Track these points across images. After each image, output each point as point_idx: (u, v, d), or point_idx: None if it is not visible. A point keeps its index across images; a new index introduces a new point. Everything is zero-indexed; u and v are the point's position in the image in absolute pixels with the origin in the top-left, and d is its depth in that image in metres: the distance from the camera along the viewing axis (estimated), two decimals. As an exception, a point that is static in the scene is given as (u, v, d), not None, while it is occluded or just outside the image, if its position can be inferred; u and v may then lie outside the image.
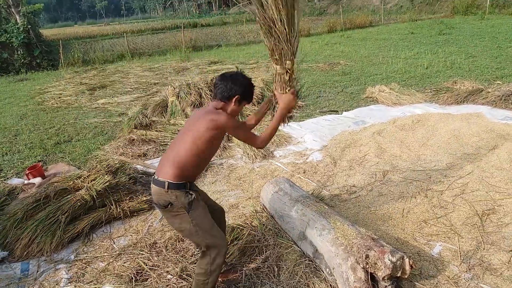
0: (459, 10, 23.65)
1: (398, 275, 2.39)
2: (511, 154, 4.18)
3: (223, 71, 2.55)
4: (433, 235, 3.04)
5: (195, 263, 2.92)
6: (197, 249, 2.66)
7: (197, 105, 6.89)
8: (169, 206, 2.24)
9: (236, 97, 2.33)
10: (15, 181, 4.72)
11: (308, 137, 5.45)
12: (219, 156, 4.98)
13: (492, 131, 4.89)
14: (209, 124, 2.22)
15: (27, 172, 4.70)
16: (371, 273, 2.42)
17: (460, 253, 2.80)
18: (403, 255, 2.40)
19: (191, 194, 2.26)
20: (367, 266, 2.40)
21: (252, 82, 2.46)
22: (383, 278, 2.37)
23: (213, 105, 2.37)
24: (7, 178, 4.91)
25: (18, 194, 4.39)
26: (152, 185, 2.29)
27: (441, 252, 2.84)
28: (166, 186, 2.20)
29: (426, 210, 3.36)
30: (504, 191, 3.53)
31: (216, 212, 2.65)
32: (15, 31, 16.34)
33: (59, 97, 9.82)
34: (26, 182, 4.63)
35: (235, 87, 2.33)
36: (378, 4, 33.09)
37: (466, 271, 2.62)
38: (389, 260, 2.35)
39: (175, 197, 2.22)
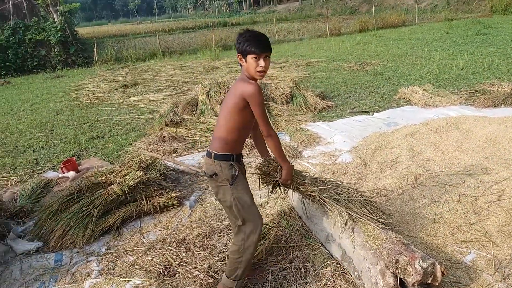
0: (498, 9, 22.79)
1: (429, 281, 2.32)
2: (552, 160, 4.01)
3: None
4: (466, 242, 2.94)
5: (223, 261, 2.95)
6: (232, 228, 2.70)
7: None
8: (214, 176, 2.38)
9: (237, 56, 2.32)
10: (51, 174, 4.89)
11: (337, 137, 5.38)
12: (248, 154, 4.99)
13: (532, 136, 4.69)
14: (236, 94, 2.29)
15: (62, 166, 4.86)
16: (400, 279, 2.36)
17: (494, 262, 2.69)
18: (435, 262, 2.33)
19: (235, 168, 2.38)
20: (397, 271, 2.35)
21: (249, 31, 2.31)
22: (413, 284, 2.30)
23: (242, 73, 2.38)
24: (43, 171, 5.09)
25: (53, 187, 4.55)
26: (205, 156, 2.47)
27: (474, 260, 2.74)
28: (212, 157, 2.36)
29: (459, 216, 3.26)
30: (543, 198, 3.38)
31: None
32: (52, 29, 16.95)
33: (93, 94, 10.12)
34: (60, 175, 4.79)
35: (236, 46, 2.32)
36: (412, 3, 32.37)
37: (501, 281, 2.52)
38: (419, 266, 2.29)
39: (220, 168, 2.35)
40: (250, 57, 2.24)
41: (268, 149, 2.63)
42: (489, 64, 9.20)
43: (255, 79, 2.32)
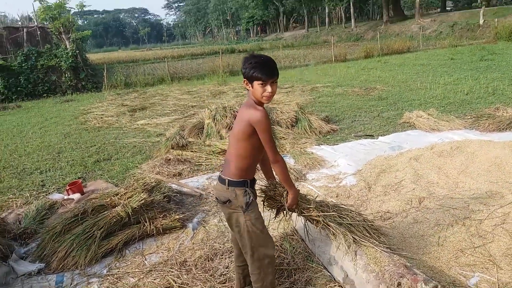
0: (502, 35, 22.98)
1: (432, 305, 2.29)
2: (558, 184, 3.97)
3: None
4: (470, 265, 2.90)
5: (224, 283, 2.93)
6: (243, 253, 2.64)
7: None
8: (227, 202, 2.36)
9: (244, 80, 2.28)
10: (56, 196, 4.93)
11: (341, 161, 5.39)
12: (252, 177, 5.00)
13: (537, 160, 4.66)
14: (243, 120, 2.26)
15: (67, 188, 4.90)
16: (403, 302, 2.33)
17: (498, 285, 2.65)
18: (437, 285, 2.30)
19: (249, 195, 2.35)
20: (399, 294, 2.32)
21: (255, 56, 2.27)
22: (415, 308, 2.27)
23: (249, 97, 2.33)
24: (49, 193, 5.13)
25: (58, 208, 4.57)
26: (217, 181, 2.44)
27: (478, 284, 2.69)
28: (226, 184, 2.33)
29: (463, 239, 3.22)
30: (549, 222, 3.33)
31: None
32: (64, 55, 17.37)
33: (101, 118, 10.27)
34: (66, 197, 4.82)
35: (242, 71, 2.27)
36: (417, 30, 32.78)
37: (507, 305, 2.48)
38: (422, 289, 2.26)
39: (234, 195, 2.33)
40: (256, 83, 2.21)
41: (274, 174, 2.60)
42: (494, 89, 9.23)
43: (262, 104, 2.29)
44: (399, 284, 2.34)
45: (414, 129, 6.75)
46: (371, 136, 6.62)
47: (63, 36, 17.89)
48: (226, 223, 3.86)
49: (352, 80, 13.28)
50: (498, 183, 4.22)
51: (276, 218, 2.86)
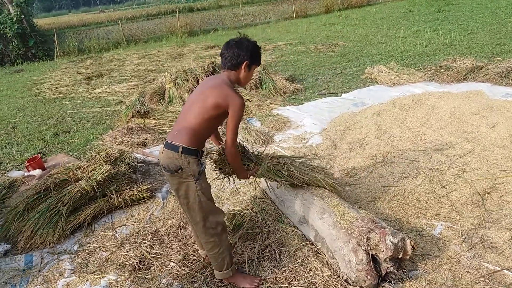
0: (458, -14, 23.26)
1: (400, 256, 2.39)
2: (512, 131, 4.16)
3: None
4: (434, 215, 3.04)
5: (198, 250, 2.94)
6: (191, 226, 2.69)
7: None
8: (179, 171, 2.24)
9: (245, 63, 2.33)
10: (15, 174, 4.72)
11: (307, 120, 5.41)
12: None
13: (493, 109, 4.85)
14: (221, 97, 2.23)
15: (26, 164, 4.69)
16: (372, 255, 2.42)
17: (461, 233, 2.80)
18: (404, 236, 2.39)
19: (202, 164, 2.31)
20: (369, 248, 2.40)
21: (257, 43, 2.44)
22: (385, 260, 2.37)
23: (226, 76, 2.36)
24: (7, 171, 4.90)
25: (18, 186, 4.39)
26: (164, 149, 2.29)
27: (443, 232, 2.84)
28: (180, 151, 2.22)
29: (427, 191, 3.36)
30: (505, 169, 3.51)
31: None
32: (8, 21, 16.16)
33: (56, 88, 9.78)
34: (26, 174, 4.62)
35: (242, 53, 2.31)
36: (376, -18, 32.54)
37: (468, 250, 2.62)
38: (390, 241, 2.35)
39: (187, 163, 2.24)
40: (254, 67, 2.41)
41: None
42: (451, 40, 9.40)
43: (238, 87, 2.38)
44: (368, 238, 2.41)
45: (376, 84, 6.83)
46: (334, 93, 6.65)
47: (5, 0, 16.59)
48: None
49: (314, 36, 13.17)
50: (457, 133, 4.38)
51: (230, 183, 2.83)
